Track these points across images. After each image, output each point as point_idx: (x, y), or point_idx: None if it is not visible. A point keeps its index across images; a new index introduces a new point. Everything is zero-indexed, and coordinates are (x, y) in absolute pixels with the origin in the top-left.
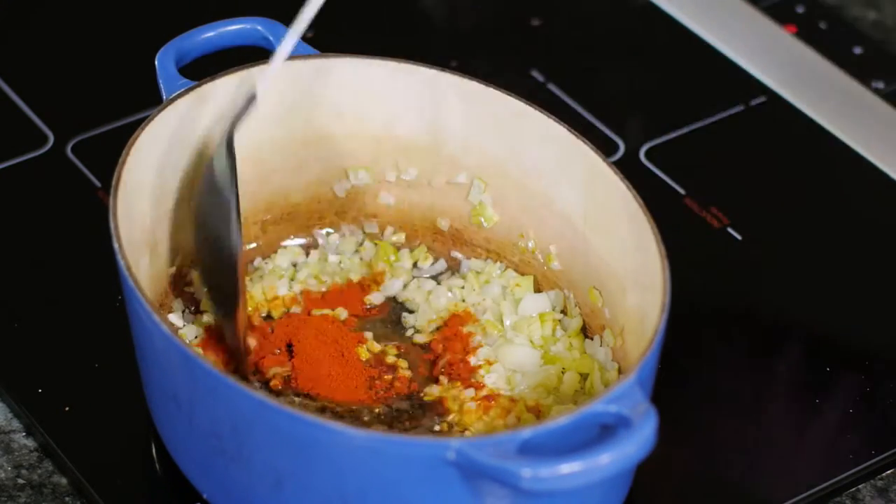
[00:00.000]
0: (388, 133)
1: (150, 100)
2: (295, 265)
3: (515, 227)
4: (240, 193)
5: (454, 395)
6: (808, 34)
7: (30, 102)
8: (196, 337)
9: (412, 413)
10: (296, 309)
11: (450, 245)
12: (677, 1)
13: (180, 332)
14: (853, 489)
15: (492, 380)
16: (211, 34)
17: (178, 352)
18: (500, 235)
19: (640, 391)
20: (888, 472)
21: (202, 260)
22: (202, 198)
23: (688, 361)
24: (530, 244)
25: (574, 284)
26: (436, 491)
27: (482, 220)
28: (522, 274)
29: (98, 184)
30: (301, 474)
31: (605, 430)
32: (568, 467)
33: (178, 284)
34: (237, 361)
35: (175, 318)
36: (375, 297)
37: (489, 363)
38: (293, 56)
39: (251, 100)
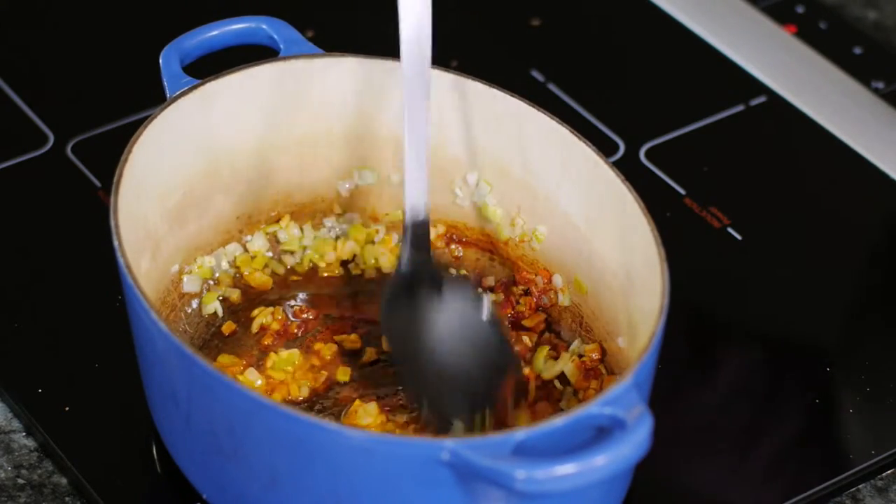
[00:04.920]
0: (391, 133)
1: (151, 100)
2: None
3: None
4: (244, 192)
5: None
6: (808, 34)
7: (30, 102)
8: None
9: None
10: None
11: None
12: (677, 1)
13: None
14: (853, 489)
15: None
16: (216, 32)
17: (176, 350)
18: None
19: (637, 393)
20: (888, 472)
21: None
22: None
23: (688, 361)
24: (533, 243)
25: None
26: (430, 491)
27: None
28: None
29: (98, 184)
30: (296, 473)
31: (600, 433)
32: (562, 469)
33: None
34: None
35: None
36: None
37: None
38: (297, 55)
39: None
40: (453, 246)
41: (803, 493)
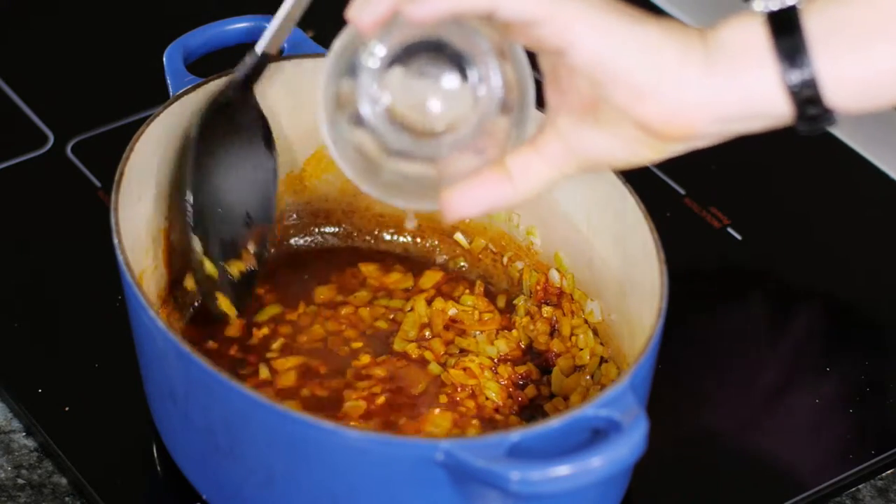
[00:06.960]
0: None
1: (151, 100)
2: None
3: (523, 229)
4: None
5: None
6: None
7: (30, 102)
8: None
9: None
10: None
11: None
12: (677, 1)
13: None
14: (853, 489)
15: None
16: (220, 31)
17: (175, 348)
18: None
19: (633, 396)
20: (888, 472)
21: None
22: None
23: (687, 361)
24: (537, 241)
25: (580, 287)
26: (424, 491)
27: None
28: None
29: (98, 184)
30: (292, 472)
31: (596, 435)
32: (557, 470)
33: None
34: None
35: None
36: None
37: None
38: (301, 55)
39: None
40: (458, 235)
41: (803, 493)
